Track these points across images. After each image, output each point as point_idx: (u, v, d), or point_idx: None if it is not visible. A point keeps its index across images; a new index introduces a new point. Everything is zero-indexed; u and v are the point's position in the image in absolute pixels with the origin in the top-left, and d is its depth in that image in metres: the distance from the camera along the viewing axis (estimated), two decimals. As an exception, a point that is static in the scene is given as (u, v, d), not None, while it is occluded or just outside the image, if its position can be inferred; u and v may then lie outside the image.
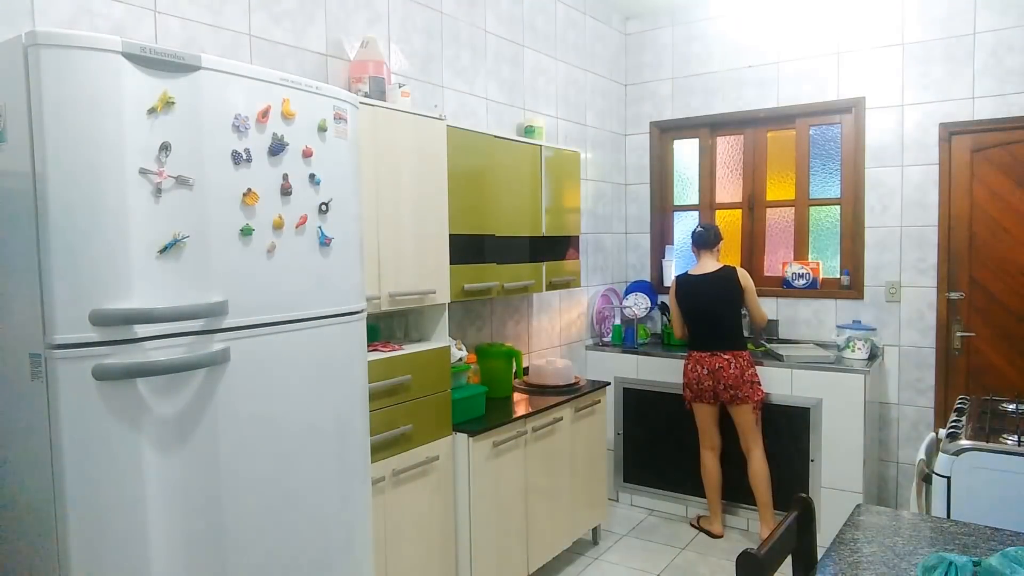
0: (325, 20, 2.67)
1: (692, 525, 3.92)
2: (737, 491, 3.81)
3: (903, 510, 1.93)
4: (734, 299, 3.65)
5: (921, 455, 2.47)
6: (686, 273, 3.76)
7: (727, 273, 3.66)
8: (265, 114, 1.66)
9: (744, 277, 3.68)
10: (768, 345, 4.00)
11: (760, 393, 3.58)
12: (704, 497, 3.85)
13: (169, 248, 1.49)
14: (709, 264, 3.71)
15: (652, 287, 4.66)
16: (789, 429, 3.71)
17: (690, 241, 3.85)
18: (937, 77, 3.74)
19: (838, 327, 3.95)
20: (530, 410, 3.03)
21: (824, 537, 3.28)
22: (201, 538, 1.55)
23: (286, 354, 1.73)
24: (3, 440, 1.52)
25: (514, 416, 2.93)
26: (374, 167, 2.35)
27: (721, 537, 3.77)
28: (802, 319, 4.18)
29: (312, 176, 1.78)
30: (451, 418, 2.68)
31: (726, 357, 3.56)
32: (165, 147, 1.48)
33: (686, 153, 4.68)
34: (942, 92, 3.74)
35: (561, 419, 3.21)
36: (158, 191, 1.47)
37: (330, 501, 1.85)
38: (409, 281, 2.51)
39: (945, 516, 2.20)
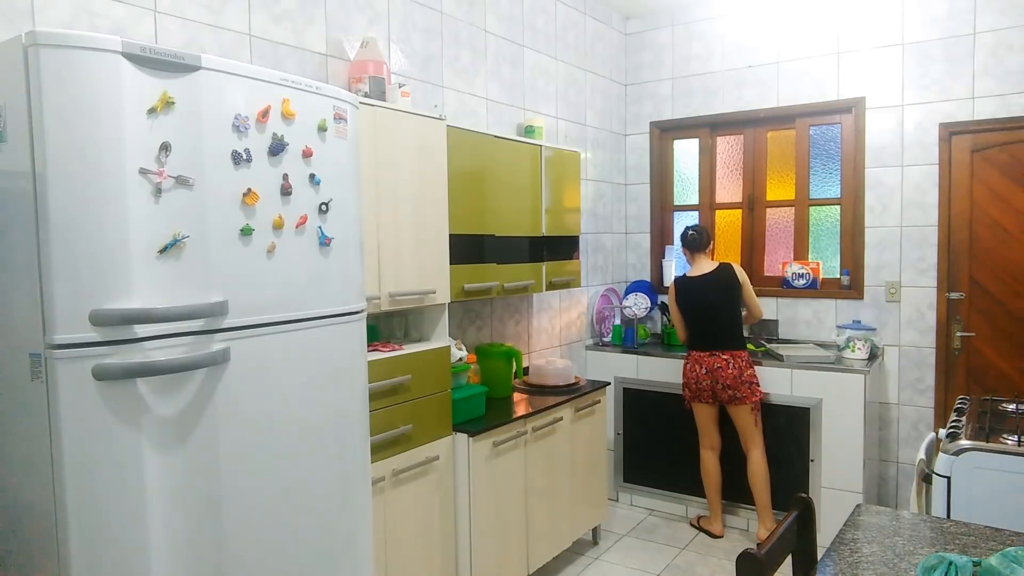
0: (325, 20, 2.67)
1: (692, 525, 3.92)
2: (737, 491, 3.81)
3: (903, 510, 1.93)
4: (734, 298, 3.65)
5: (921, 455, 2.47)
6: (684, 275, 3.76)
7: (726, 271, 3.66)
8: (265, 114, 1.66)
9: (740, 273, 3.70)
10: (768, 345, 4.00)
11: (759, 394, 3.58)
12: (704, 497, 3.85)
13: (169, 248, 1.49)
14: (705, 264, 3.70)
15: (652, 287, 4.66)
16: (789, 429, 3.71)
17: (681, 244, 3.83)
18: (937, 77, 3.74)
19: (838, 327, 3.95)
20: (530, 410, 3.03)
21: (824, 537, 3.28)
22: (201, 538, 1.55)
23: (286, 354, 1.73)
24: (3, 440, 1.52)
25: (514, 416, 2.93)
26: (374, 167, 2.35)
27: (721, 537, 3.77)
28: (802, 319, 4.18)
29: (312, 176, 1.78)
30: (451, 418, 2.68)
31: (725, 357, 3.55)
32: (165, 147, 1.48)
33: (686, 153, 4.68)
34: (942, 92, 3.74)
35: (561, 419, 3.21)
36: (158, 191, 1.47)
37: (330, 501, 1.85)
38: (409, 281, 2.51)
39: (945, 516, 2.20)
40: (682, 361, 3.82)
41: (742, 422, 3.60)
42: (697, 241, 3.74)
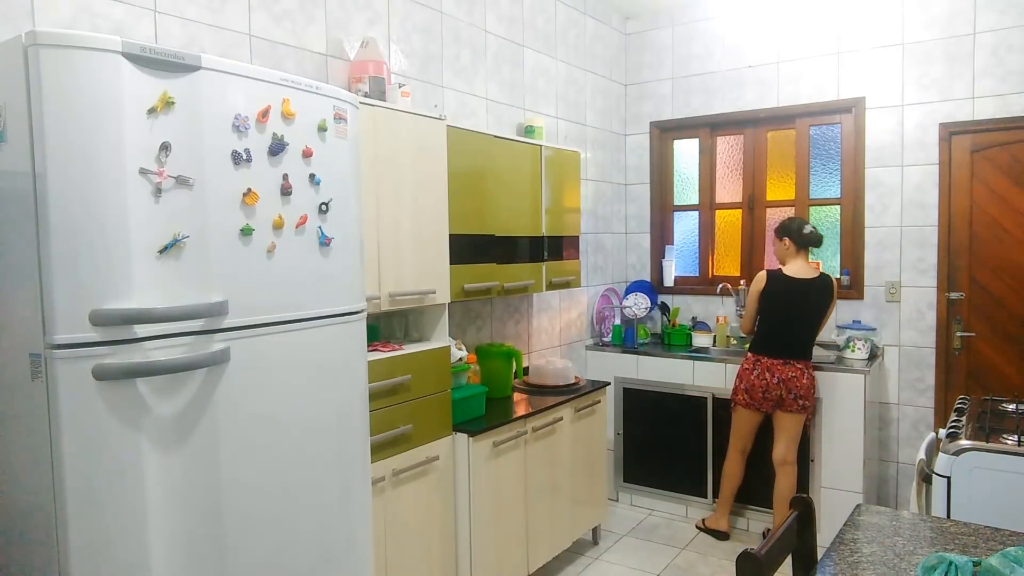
0: (325, 20, 2.67)
1: (698, 527, 3.87)
2: (739, 491, 3.80)
3: (903, 510, 1.93)
4: (824, 312, 3.53)
5: (921, 455, 2.47)
6: (780, 271, 3.51)
7: (829, 283, 3.49)
8: (265, 114, 1.66)
9: (836, 289, 3.57)
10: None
11: (814, 402, 3.54)
12: (705, 496, 3.84)
13: (169, 248, 1.49)
14: (805, 267, 3.49)
15: (652, 287, 4.66)
16: (789, 429, 3.70)
17: (790, 237, 3.53)
18: (937, 77, 3.74)
19: (838, 327, 3.95)
20: (530, 410, 3.03)
21: (824, 537, 3.28)
22: (201, 538, 1.55)
23: (286, 354, 1.73)
24: (3, 440, 1.52)
25: (514, 416, 2.93)
26: (374, 167, 2.35)
27: (728, 535, 3.73)
28: (802, 319, 4.17)
29: (312, 176, 1.78)
30: (451, 418, 2.68)
31: (799, 367, 3.44)
32: (165, 147, 1.48)
33: (686, 153, 4.68)
34: (942, 92, 3.74)
35: (561, 419, 3.21)
36: (158, 191, 1.47)
37: (330, 501, 1.85)
38: (409, 281, 2.51)
39: (945, 516, 2.20)
40: (682, 362, 3.81)
41: (792, 430, 3.49)
42: (813, 238, 3.48)
